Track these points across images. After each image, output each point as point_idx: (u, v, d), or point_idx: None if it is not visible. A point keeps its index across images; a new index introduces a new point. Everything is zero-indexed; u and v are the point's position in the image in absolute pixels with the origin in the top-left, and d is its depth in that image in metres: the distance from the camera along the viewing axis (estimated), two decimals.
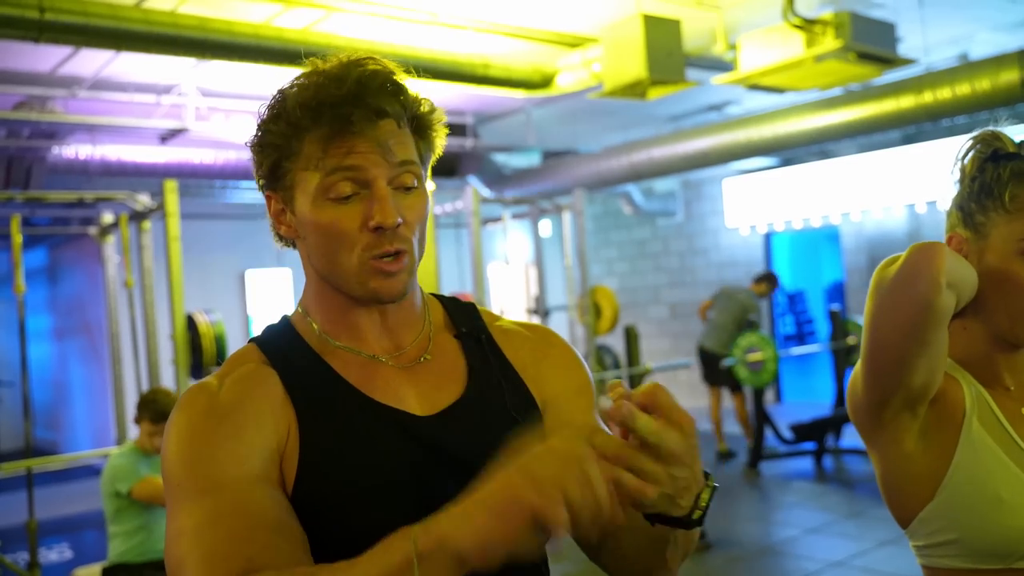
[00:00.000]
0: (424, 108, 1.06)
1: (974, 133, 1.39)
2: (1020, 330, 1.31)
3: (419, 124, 1.06)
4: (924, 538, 1.31)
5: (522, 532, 0.77)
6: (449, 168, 8.50)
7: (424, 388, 1.07)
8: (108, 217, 6.14)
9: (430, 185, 4.52)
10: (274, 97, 1.03)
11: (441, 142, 1.11)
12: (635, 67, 4.74)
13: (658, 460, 0.82)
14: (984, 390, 1.33)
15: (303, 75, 1.02)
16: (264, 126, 1.03)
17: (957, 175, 1.39)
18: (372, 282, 1.02)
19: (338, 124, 0.98)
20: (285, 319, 1.13)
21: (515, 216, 8.14)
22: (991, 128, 1.38)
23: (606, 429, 1.16)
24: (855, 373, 1.33)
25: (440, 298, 1.21)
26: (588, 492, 0.77)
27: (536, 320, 7.49)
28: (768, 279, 8.08)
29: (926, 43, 6.18)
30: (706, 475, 0.91)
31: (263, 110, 1.04)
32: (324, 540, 0.97)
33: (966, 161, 1.38)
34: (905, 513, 1.33)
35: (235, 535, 0.90)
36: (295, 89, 1.01)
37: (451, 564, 0.79)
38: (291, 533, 0.94)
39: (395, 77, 1.03)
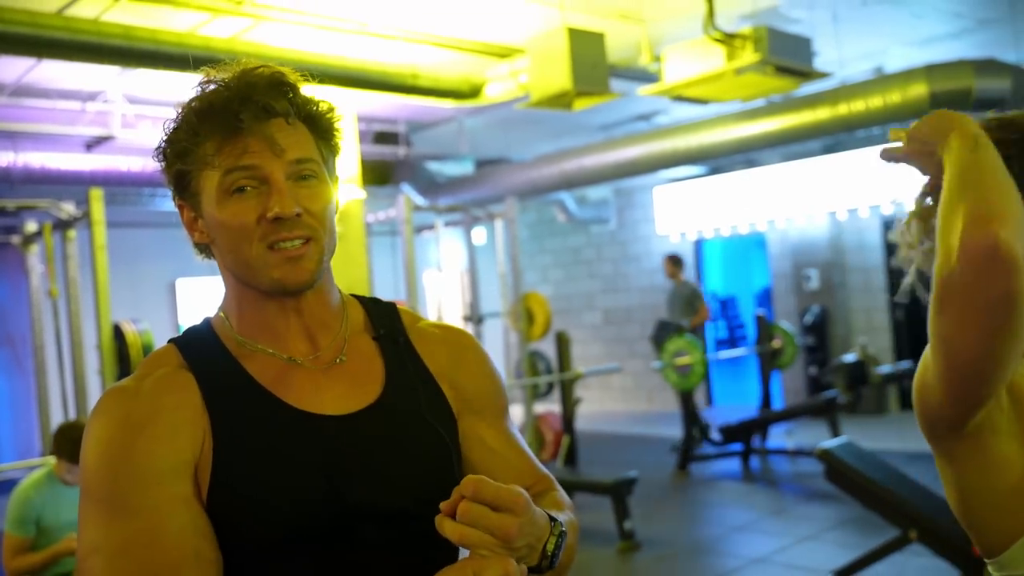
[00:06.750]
0: (321, 108, 1.10)
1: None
2: None
3: (316, 124, 1.10)
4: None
5: None
6: (382, 176, 8.52)
7: (340, 390, 1.09)
8: (31, 226, 6.04)
9: (360, 192, 4.53)
10: (177, 111, 1.08)
11: (340, 141, 1.14)
12: (560, 78, 4.84)
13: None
14: None
15: (199, 83, 1.06)
16: (167, 138, 1.08)
17: None
18: (275, 271, 1.04)
19: (229, 124, 1.02)
20: (206, 321, 1.14)
21: (448, 224, 8.20)
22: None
23: (518, 436, 1.23)
24: (924, 383, 1.13)
25: (360, 299, 1.22)
26: None
27: (470, 326, 7.55)
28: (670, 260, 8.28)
29: (841, 57, 6.42)
30: (552, 521, 0.98)
31: (164, 124, 1.08)
32: (238, 545, 0.99)
33: None
34: (996, 538, 1.10)
35: (154, 568, 0.93)
36: (192, 100, 1.06)
37: None
38: (209, 566, 0.97)
39: (284, 78, 1.06)
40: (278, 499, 0.99)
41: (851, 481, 3.91)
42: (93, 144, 6.62)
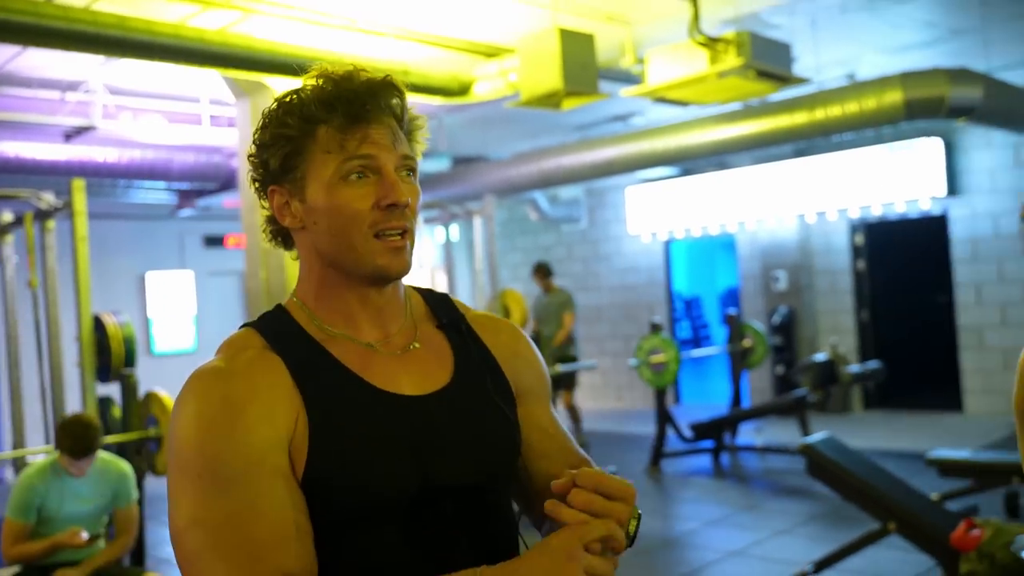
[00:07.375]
0: (412, 114, 1.19)
1: None
2: None
3: (409, 128, 1.19)
4: None
5: None
6: None
7: (415, 374, 1.16)
8: (7, 216, 5.95)
9: None
10: (286, 97, 1.13)
11: (421, 148, 1.22)
12: (551, 78, 4.91)
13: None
14: None
15: (312, 76, 1.13)
16: (277, 120, 1.12)
17: None
18: (380, 259, 1.11)
19: (354, 114, 1.10)
20: (280, 307, 1.19)
21: (425, 220, 8.22)
22: None
23: (559, 421, 1.31)
24: None
25: (418, 289, 1.30)
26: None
27: None
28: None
29: (818, 63, 6.57)
30: None
31: (269, 111, 1.13)
32: (329, 519, 1.05)
33: None
34: None
35: (258, 540, 0.99)
36: (309, 90, 1.12)
37: None
38: (307, 537, 1.03)
39: (395, 81, 1.15)
40: (371, 475, 1.05)
41: (833, 475, 4.03)
42: (73, 134, 6.55)
